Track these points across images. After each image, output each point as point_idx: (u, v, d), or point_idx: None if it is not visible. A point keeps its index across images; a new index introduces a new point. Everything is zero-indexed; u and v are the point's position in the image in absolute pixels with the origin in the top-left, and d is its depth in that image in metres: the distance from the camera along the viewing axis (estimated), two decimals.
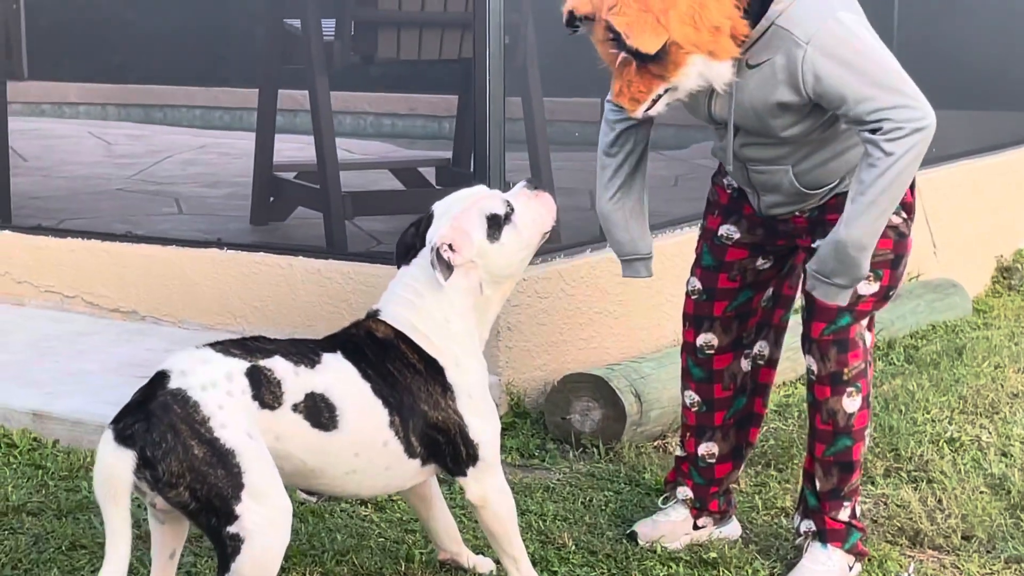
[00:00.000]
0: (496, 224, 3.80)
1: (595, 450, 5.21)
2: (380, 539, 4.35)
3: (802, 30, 3.77)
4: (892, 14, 8.24)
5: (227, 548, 3.39)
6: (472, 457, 3.78)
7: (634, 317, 5.95)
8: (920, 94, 3.79)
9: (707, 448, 4.41)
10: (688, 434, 4.45)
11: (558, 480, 4.94)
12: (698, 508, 4.45)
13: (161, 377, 3.46)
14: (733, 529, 4.51)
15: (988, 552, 4.44)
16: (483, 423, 3.80)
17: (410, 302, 3.80)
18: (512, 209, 3.84)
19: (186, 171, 9.32)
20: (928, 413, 5.69)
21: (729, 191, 4.26)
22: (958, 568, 4.32)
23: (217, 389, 3.42)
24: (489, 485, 3.83)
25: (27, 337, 6.14)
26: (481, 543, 4.26)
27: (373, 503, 4.62)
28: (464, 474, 3.80)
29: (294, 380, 3.55)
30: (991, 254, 8.73)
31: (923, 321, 7.20)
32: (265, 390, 3.49)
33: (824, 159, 4.00)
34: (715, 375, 4.35)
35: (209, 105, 12.38)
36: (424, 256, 3.80)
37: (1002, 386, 6.12)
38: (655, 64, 3.73)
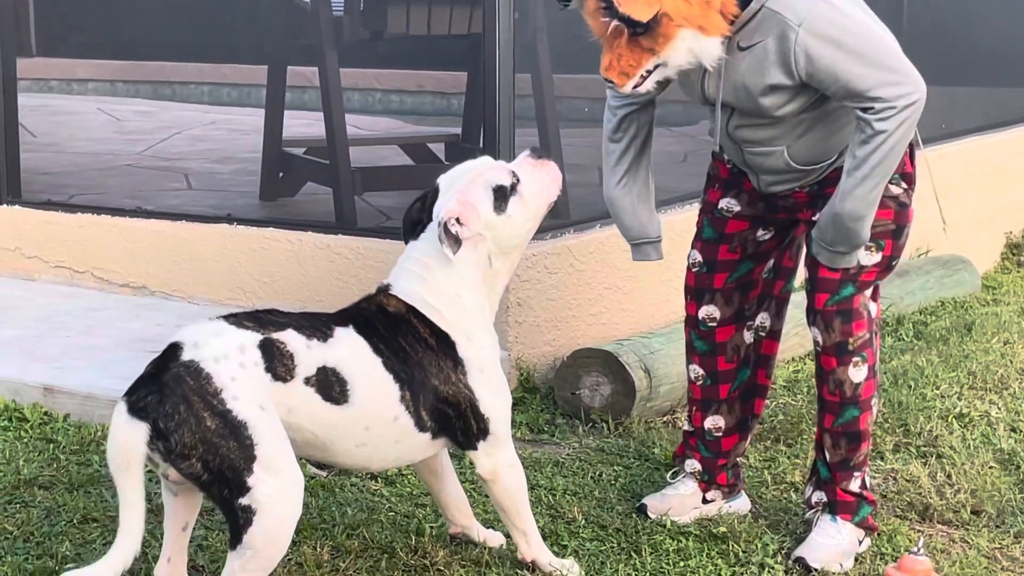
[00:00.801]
0: (502, 195, 3.80)
1: (604, 425, 5.22)
2: (390, 513, 4.36)
3: (793, 13, 3.79)
4: None
5: (239, 520, 3.40)
6: (483, 431, 3.79)
7: (644, 292, 5.95)
8: (910, 68, 3.82)
9: (713, 421, 4.43)
10: (694, 408, 4.46)
11: (568, 455, 4.95)
12: (707, 481, 4.46)
13: (174, 349, 3.47)
14: (742, 504, 4.52)
15: (997, 527, 4.45)
16: (494, 398, 3.80)
17: (420, 277, 3.80)
18: (518, 179, 3.84)
19: (195, 147, 9.33)
20: (937, 389, 5.70)
21: (729, 165, 4.27)
22: (967, 543, 4.33)
23: (230, 361, 3.43)
24: (499, 459, 3.84)
25: (37, 312, 6.16)
26: (491, 517, 4.27)
27: (383, 477, 4.64)
28: (475, 448, 3.81)
29: (306, 353, 3.55)
30: (1000, 230, 8.73)
31: (932, 297, 7.20)
32: (278, 363, 3.50)
33: (819, 138, 4.02)
34: (718, 348, 4.36)
35: (218, 81, 12.37)
36: (432, 231, 3.80)
37: (1011, 362, 6.12)
38: (645, 36, 3.75)
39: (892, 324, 6.72)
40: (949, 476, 4.79)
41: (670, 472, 4.57)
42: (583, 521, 4.35)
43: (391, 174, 7.47)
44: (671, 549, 4.18)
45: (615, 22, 3.72)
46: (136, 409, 3.37)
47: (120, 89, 12.87)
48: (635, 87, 3.87)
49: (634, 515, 4.41)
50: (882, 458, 4.95)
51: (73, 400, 5.09)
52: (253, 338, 3.50)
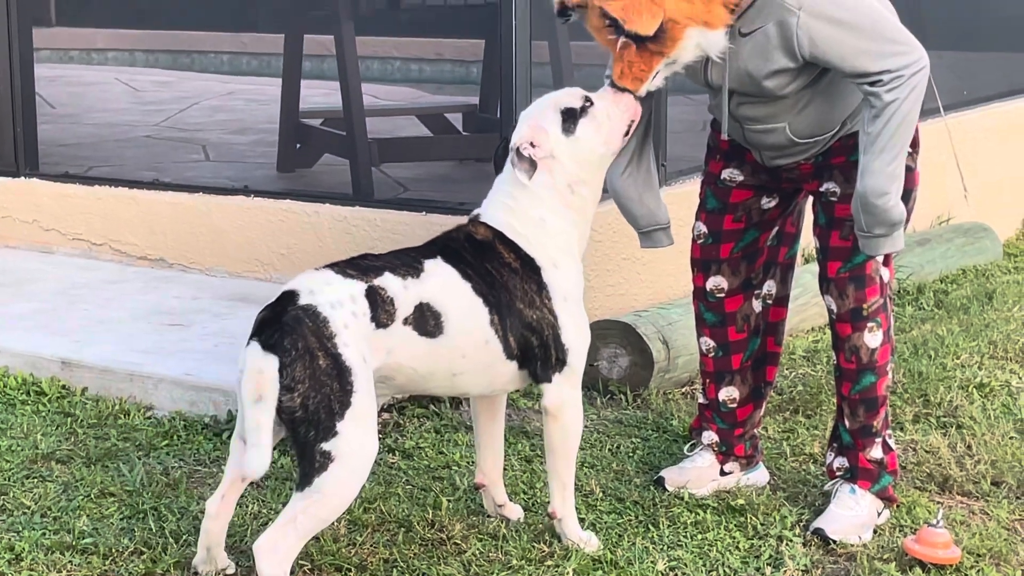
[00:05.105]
0: (571, 117, 3.88)
1: (623, 397, 5.20)
2: (408, 487, 4.36)
3: None
4: None
5: (315, 463, 3.47)
6: (561, 362, 3.86)
7: (662, 263, 5.93)
8: (911, 37, 3.84)
9: (727, 393, 4.42)
10: (708, 380, 4.46)
11: (586, 427, 4.92)
12: (724, 453, 4.45)
13: (290, 295, 3.57)
14: (760, 475, 4.51)
15: (1018, 498, 4.42)
16: (576, 329, 3.89)
17: (506, 205, 3.90)
18: (590, 103, 3.90)
19: (213, 118, 9.33)
20: (958, 358, 5.67)
21: (729, 137, 4.25)
22: (987, 514, 4.31)
23: (344, 309, 3.55)
24: (568, 396, 3.90)
25: (55, 285, 6.16)
26: (512, 491, 4.27)
27: (400, 450, 4.63)
28: (549, 380, 3.87)
29: (404, 295, 3.66)
30: (1022, 197, 8.67)
31: (953, 265, 7.16)
32: (381, 310, 3.61)
33: (820, 111, 4.02)
34: (728, 318, 4.36)
35: (236, 51, 12.36)
36: (509, 160, 3.91)
37: None
38: (654, 42, 3.78)
39: (913, 293, 6.69)
40: (969, 447, 4.77)
41: (688, 444, 4.56)
42: (601, 494, 4.34)
43: (408, 145, 7.46)
44: (689, 522, 4.17)
45: (623, 38, 3.76)
46: (268, 345, 3.49)
47: (139, 59, 12.87)
48: (648, 89, 3.90)
49: (652, 487, 4.40)
50: (902, 429, 4.93)
51: (91, 374, 5.09)
52: (360, 287, 3.61)
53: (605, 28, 3.78)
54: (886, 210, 3.83)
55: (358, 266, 3.69)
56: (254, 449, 3.46)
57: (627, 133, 3.97)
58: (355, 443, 3.50)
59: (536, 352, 3.85)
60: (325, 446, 3.47)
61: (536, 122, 3.89)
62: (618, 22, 3.72)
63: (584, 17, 3.83)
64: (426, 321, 3.69)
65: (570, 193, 3.90)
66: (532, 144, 3.85)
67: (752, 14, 3.85)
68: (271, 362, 3.47)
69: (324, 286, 3.59)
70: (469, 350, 3.77)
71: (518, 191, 3.89)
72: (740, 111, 4.06)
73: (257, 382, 3.48)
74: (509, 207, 3.90)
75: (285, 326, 3.50)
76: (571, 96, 3.93)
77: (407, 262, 3.75)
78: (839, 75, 3.89)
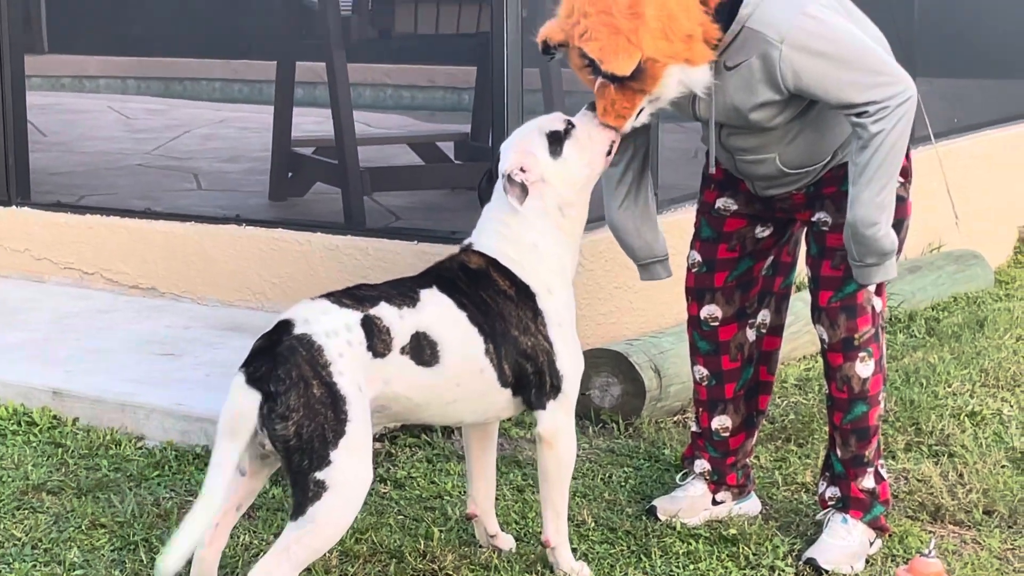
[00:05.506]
0: (557, 140, 3.91)
1: (615, 426, 5.20)
2: (399, 517, 4.35)
3: (774, 30, 3.80)
4: None
5: (308, 493, 3.46)
6: (555, 389, 3.87)
7: (654, 291, 5.92)
8: (897, 68, 3.84)
9: (720, 422, 4.43)
10: (701, 409, 4.46)
11: (578, 456, 4.89)
12: (716, 482, 4.45)
13: (285, 325, 3.58)
14: (753, 505, 4.51)
15: (1010, 527, 4.43)
16: (570, 355, 3.90)
17: (499, 232, 3.92)
18: (572, 125, 3.94)
19: (205, 146, 9.32)
20: (949, 386, 5.67)
21: (720, 166, 4.26)
22: (979, 543, 4.31)
23: (339, 338, 3.55)
24: (563, 423, 3.91)
25: (47, 314, 6.15)
26: (504, 521, 4.26)
27: (392, 480, 4.63)
28: (544, 407, 3.88)
29: (400, 324, 3.67)
30: (1013, 224, 8.69)
31: (944, 293, 7.17)
32: (377, 339, 3.62)
33: (809, 141, 4.03)
34: (721, 347, 4.36)
35: (228, 78, 12.36)
36: (499, 187, 3.92)
37: None
38: (634, 81, 3.78)
39: (904, 320, 6.69)
40: (961, 476, 4.77)
41: (680, 473, 4.56)
42: (592, 524, 4.34)
43: (400, 174, 7.46)
44: (681, 552, 4.16)
45: (601, 78, 3.77)
46: (254, 379, 3.48)
47: (131, 86, 12.86)
48: (633, 125, 3.91)
49: (644, 517, 4.39)
50: (894, 457, 4.93)
51: (82, 404, 5.08)
52: (355, 317, 3.62)
53: (585, 68, 3.79)
54: (876, 240, 3.84)
55: (354, 296, 3.70)
56: (200, 503, 3.43)
57: (609, 153, 3.98)
58: (349, 472, 3.49)
59: (531, 379, 3.86)
60: (319, 475, 3.46)
61: (524, 147, 3.91)
62: (595, 63, 3.73)
63: (566, 55, 3.84)
64: (423, 350, 3.70)
65: (560, 216, 3.92)
66: (522, 169, 3.87)
67: (736, 48, 3.85)
68: (252, 397, 3.46)
69: (321, 315, 3.60)
70: (464, 379, 3.77)
71: (510, 217, 3.90)
72: (730, 142, 4.07)
73: (235, 417, 3.48)
74: (503, 234, 3.91)
75: (279, 357, 3.50)
76: (554, 120, 3.96)
77: (403, 291, 3.76)
78: (827, 106, 3.90)
